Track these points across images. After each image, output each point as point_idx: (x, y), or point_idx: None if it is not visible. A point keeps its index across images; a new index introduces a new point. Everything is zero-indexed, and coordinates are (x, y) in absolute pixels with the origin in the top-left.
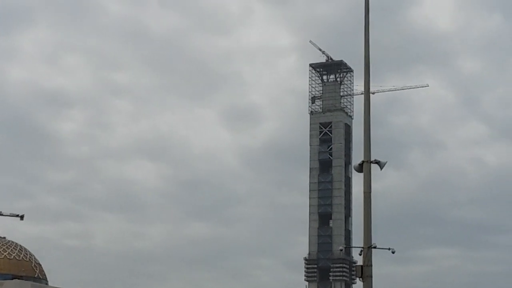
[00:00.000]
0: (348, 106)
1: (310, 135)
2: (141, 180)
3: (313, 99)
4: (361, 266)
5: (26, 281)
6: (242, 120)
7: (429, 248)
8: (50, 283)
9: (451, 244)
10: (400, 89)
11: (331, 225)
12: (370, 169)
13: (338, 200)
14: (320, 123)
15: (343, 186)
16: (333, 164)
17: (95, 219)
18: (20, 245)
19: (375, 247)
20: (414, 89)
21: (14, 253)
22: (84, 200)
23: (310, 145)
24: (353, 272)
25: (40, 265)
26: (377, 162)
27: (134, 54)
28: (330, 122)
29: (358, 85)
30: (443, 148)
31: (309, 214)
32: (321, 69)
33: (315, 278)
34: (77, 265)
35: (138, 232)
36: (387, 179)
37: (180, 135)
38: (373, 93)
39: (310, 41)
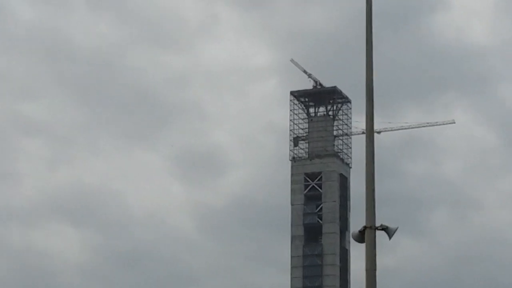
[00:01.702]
0: (344, 150)
1: (292, 191)
2: (58, 252)
3: (295, 141)
4: None
5: None
6: (200, 169)
7: None
8: None
9: None
10: (419, 127)
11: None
12: (374, 238)
13: (330, 280)
14: (306, 174)
15: (337, 262)
16: (323, 231)
17: None
18: None
19: None
20: (439, 126)
21: None
22: None
23: (292, 204)
24: None
25: None
26: (385, 229)
27: (51, 78)
28: (320, 173)
29: (358, 121)
30: (479, 208)
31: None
32: (307, 99)
33: None
34: None
35: None
36: (400, 251)
37: (114, 190)
38: (379, 132)
39: (292, 60)
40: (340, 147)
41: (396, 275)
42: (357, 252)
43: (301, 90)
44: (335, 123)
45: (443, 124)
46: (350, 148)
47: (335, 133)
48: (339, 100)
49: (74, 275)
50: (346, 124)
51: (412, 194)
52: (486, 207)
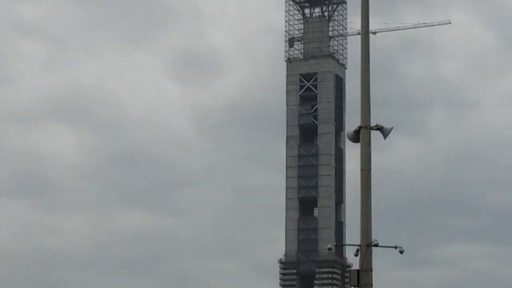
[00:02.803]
0: (340, 51)
1: (287, 91)
2: (54, 153)
3: (291, 42)
4: (358, 271)
5: None
6: (197, 71)
7: (453, 245)
8: None
9: (484, 240)
10: (415, 27)
11: (316, 215)
12: (369, 137)
13: (326, 180)
14: (301, 75)
15: (332, 162)
16: (318, 131)
17: None
18: None
19: (376, 245)
20: (436, 26)
21: None
22: None
23: (287, 105)
24: (346, 280)
25: None
26: (380, 129)
27: None
28: (315, 73)
29: (353, 22)
30: (476, 108)
31: (286, 200)
32: (302, 0)
33: None
34: None
35: (49, 225)
36: (396, 151)
37: (111, 91)
38: (375, 33)
39: None
40: (336, 48)
41: (392, 175)
42: (352, 153)
43: None
44: (331, 24)
45: (439, 24)
46: (346, 49)
47: (330, 34)
48: (335, 1)
49: (71, 176)
50: (342, 25)
51: (410, 95)
52: (484, 108)
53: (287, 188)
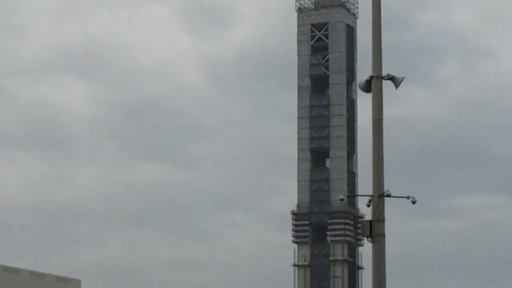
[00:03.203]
0: (351, 0)
1: (299, 42)
2: (65, 105)
3: None
4: (370, 221)
5: None
6: (209, 22)
7: (466, 196)
8: None
9: (497, 191)
10: None
11: (328, 165)
12: (381, 87)
13: (337, 131)
14: (312, 25)
15: (344, 112)
16: (330, 82)
17: (1, 160)
18: None
19: (389, 196)
20: None
21: None
22: None
23: (299, 56)
24: (359, 230)
25: None
26: (391, 78)
27: None
28: (326, 23)
29: None
30: (489, 57)
31: (298, 151)
32: None
33: (307, 239)
34: None
35: (61, 178)
36: (409, 101)
37: (121, 42)
38: None
39: None
40: None
41: (405, 126)
42: (364, 103)
43: None
44: None
45: None
46: None
47: None
48: None
49: (82, 128)
50: None
51: (422, 44)
52: (497, 56)
53: (298, 139)
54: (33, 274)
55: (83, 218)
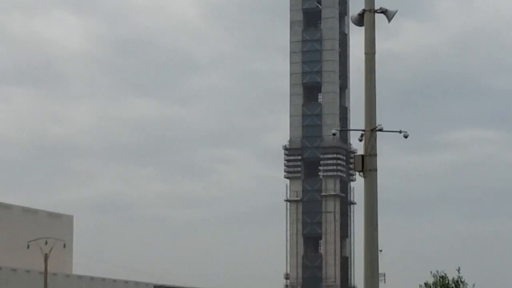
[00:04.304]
0: None
1: None
2: (60, 40)
3: None
4: (362, 156)
5: None
6: None
7: (459, 130)
8: None
9: (490, 125)
10: None
11: (320, 100)
12: (374, 20)
13: (330, 65)
14: None
15: (336, 46)
16: (322, 16)
17: None
18: None
19: (381, 130)
20: None
21: None
22: None
23: None
24: (351, 165)
25: None
26: (384, 11)
27: None
28: None
29: None
30: None
31: (290, 86)
32: None
33: (299, 174)
34: None
35: (56, 114)
36: (402, 35)
37: None
38: None
39: None
40: None
41: (399, 60)
42: (356, 38)
43: None
44: None
45: None
46: None
47: None
48: None
49: (76, 63)
50: None
51: None
52: None
53: (291, 74)
54: (25, 210)
55: (76, 154)
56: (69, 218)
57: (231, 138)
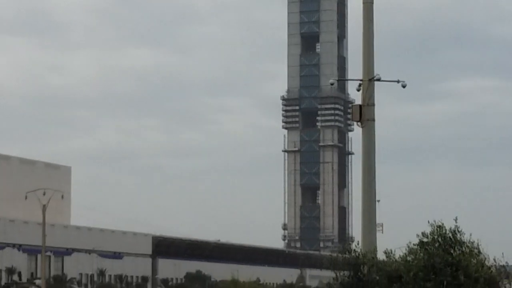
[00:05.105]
0: None
1: None
2: None
3: None
4: (360, 106)
5: None
6: None
7: (459, 79)
8: None
9: (490, 74)
10: None
11: (318, 50)
12: None
13: (327, 15)
14: None
15: None
16: None
17: None
18: None
19: (379, 80)
20: None
21: None
22: None
23: None
24: (348, 116)
25: None
26: None
27: None
28: None
29: None
30: None
31: (288, 36)
32: None
33: (297, 125)
34: None
35: (55, 64)
36: None
37: None
38: None
39: None
40: None
41: (396, 9)
42: None
43: None
44: None
45: None
46: None
47: None
48: None
49: (76, 13)
50: None
51: None
52: None
53: (288, 23)
54: (23, 161)
55: (76, 104)
56: (67, 169)
57: (230, 87)
